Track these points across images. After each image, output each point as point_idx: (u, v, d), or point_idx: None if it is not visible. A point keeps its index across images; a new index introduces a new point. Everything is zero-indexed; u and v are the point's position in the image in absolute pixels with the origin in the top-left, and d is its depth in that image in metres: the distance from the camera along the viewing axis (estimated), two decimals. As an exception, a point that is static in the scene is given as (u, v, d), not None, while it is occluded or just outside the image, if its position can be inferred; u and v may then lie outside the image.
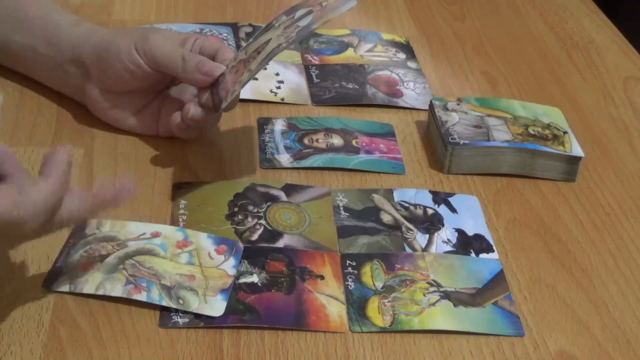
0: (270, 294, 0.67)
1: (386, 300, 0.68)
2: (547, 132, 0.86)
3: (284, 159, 0.83)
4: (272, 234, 0.74)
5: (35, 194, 0.57)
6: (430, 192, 0.81)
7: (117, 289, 0.65)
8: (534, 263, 0.74)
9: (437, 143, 0.86)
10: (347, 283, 0.70)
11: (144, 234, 0.71)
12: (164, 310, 0.65)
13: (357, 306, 0.68)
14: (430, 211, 0.79)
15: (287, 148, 0.84)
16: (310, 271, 0.70)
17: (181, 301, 0.65)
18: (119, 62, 0.78)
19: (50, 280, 0.66)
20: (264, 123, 0.88)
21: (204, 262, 0.69)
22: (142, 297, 0.65)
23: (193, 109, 0.77)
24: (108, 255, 0.68)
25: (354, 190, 0.80)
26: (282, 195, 0.78)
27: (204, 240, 0.71)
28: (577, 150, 0.84)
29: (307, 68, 0.98)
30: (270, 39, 0.73)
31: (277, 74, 0.96)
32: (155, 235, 0.71)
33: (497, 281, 0.72)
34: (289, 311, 0.66)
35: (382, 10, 1.15)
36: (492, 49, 1.08)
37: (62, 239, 0.70)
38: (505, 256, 0.75)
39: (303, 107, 0.92)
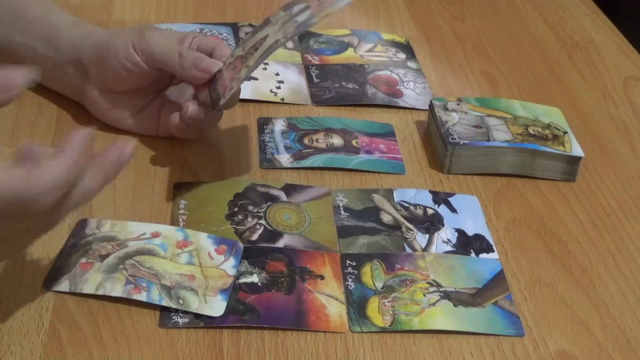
0: (270, 294, 0.67)
1: (386, 300, 0.68)
2: (547, 132, 0.86)
3: (284, 159, 0.83)
4: (272, 234, 0.74)
5: (50, 170, 0.56)
6: (430, 192, 0.81)
7: (117, 289, 0.65)
8: (534, 263, 0.74)
9: (437, 143, 0.86)
10: (347, 283, 0.70)
11: (144, 234, 0.71)
12: (164, 310, 0.65)
13: (357, 306, 0.68)
14: (430, 211, 0.79)
15: (287, 148, 0.84)
16: (310, 271, 0.70)
17: (181, 301, 0.65)
18: (117, 61, 0.78)
19: (50, 280, 0.66)
20: (264, 123, 0.88)
21: (204, 262, 0.69)
22: (142, 297, 0.65)
23: (192, 108, 0.77)
24: (108, 255, 0.68)
25: (354, 190, 0.80)
26: (282, 195, 0.78)
27: (204, 240, 0.71)
28: (577, 150, 0.84)
29: (307, 68, 0.98)
30: (268, 35, 0.73)
31: (277, 74, 0.96)
32: (155, 235, 0.71)
33: (497, 281, 0.72)
34: (289, 311, 0.66)
35: (382, 10, 1.15)
36: (492, 49, 1.08)
37: (62, 239, 0.70)
38: (505, 256, 0.75)
39: (303, 107, 0.92)
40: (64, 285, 0.66)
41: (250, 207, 0.76)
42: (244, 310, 0.66)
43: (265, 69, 0.96)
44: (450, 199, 0.80)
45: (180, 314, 0.65)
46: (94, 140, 0.59)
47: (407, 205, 0.79)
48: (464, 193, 0.82)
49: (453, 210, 0.79)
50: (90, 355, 0.61)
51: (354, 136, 0.87)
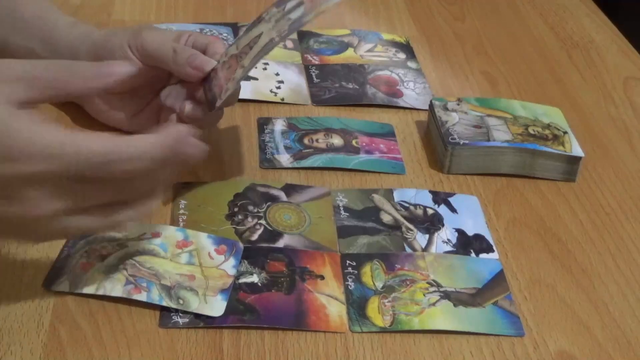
0: (270, 294, 0.67)
1: (386, 300, 0.68)
2: (547, 132, 0.86)
3: (284, 159, 0.83)
4: (272, 234, 0.74)
5: (139, 143, 0.58)
6: (430, 192, 0.81)
7: (117, 289, 0.65)
8: (534, 263, 0.74)
9: (437, 143, 0.86)
10: (347, 283, 0.70)
11: (144, 234, 0.71)
12: (164, 310, 0.65)
13: (357, 306, 0.68)
14: (430, 211, 0.79)
15: (287, 148, 0.84)
16: (310, 271, 0.70)
17: (181, 301, 0.65)
18: None
19: (50, 280, 0.66)
20: (264, 123, 0.88)
21: (204, 262, 0.69)
22: (142, 297, 0.65)
23: (188, 107, 0.76)
24: (108, 255, 0.68)
25: (354, 190, 0.80)
26: (282, 195, 0.78)
27: (204, 240, 0.71)
28: (577, 150, 0.84)
29: (307, 68, 0.98)
30: (262, 32, 0.72)
31: (277, 74, 0.96)
32: (156, 235, 0.71)
33: (497, 281, 0.72)
34: (289, 311, 0.66)
35: (382, 10, 1.15)
36: (492, 49, 1.08)
37: (62, 239, 0.70)
38: (505, 256, 0.75)
39: (303, 107, 0.92)
40: (64, 285, 0.66)
41: (250, 207, 0.76)
42: (244, 310, 0.66)
43: (265, 69, 0.96)
44: (450, 199, 0.80)
45: (180, 314, 0.65)
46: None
47: (407, 205, 0.79)
48: (464, 193, 0.82)
49: (453, 210, 0.79)
50: (90, 355, 0.61)
51: (354, 136, 0.87)
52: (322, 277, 0.70)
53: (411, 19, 1.14)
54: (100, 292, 0.65)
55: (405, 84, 0.97)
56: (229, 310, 0.65)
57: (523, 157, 0.84)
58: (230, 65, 0.73)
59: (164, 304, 0.65)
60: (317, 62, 1.00)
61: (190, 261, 0.69)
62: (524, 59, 1.07)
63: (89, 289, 0.66)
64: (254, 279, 0.69)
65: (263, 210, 0.76)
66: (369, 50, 1.03)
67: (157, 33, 0.78)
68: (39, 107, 0.59)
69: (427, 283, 0.70)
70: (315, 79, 0.96)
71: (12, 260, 0.68)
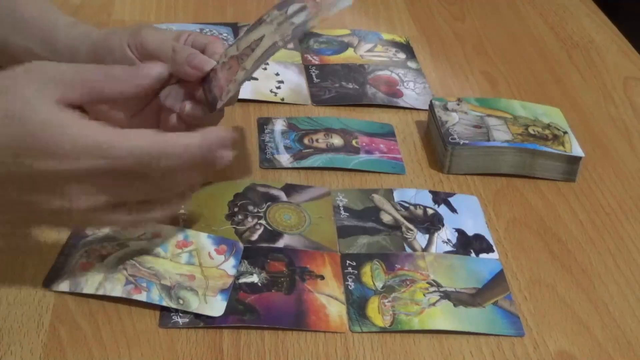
0: (270, 294, 0.67)
1: (386, 300, 0.68)
2: (547, 132, 0.86)
3: (284, 159, 0.83)
4: (272, 234, 0.74)
5: (179, 141, 0.60)
6: (430, 192, 0.81)
7: (117, 289, 0.65)
8: (534, 263, 0.74)
9: (437, 143, 0.86)
10: (347, 283, 0.70)
11: (144, 234, 0.71)
12: (164, 310, 0.65)
13: (357, 306, 0.68)
14: (430, 211, 0.79)
15: (287, 148, 0.84)
16: (310, 271, 0.70)
17: (181, 301, 0.65)
18: (113, 62, 0.77)
19: (50, 280, 0.66)
20: (264, 123, 0.88)
21: (204, 262, 0.69)
22: (142, 297, 0.65)
23: (189, 106, 0.76)
24: (108, 255, 0.68)
25: (354, 190, 0.80)
26: (282, 195, 0.78)
27: (204, 240, 0.71)
28: (577, 150, 0.84)
29: (307, 68, 0.98)
30: (264, 35, 0.72)
31: (277, 74, 0.96)
32: (156, 235, 0.71)
33: (497, 281, 0.72)
34: (289, 311, 0.66)
35: (382, 10, 1.15)
36: (492, 49, 1.08)
37: (62, 239, 0.70)
38: (505, 256, 0.75)
39: (303, 107, 0.92)
40: (64, 285, 0.66)
41: (250, 207, 0.76)
42: (244, 310, 0.66)
43: (265, 69, 0.96)
44: (450, 199, 0.80)
45: (180, 314, 0.65)
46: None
47: (407, 205, 0.79)
48: (464, 193, 0.82)
49: (453, 210, 0.79)
50: (90, 355, 0.61)
51: (354, 136, 0.87)
52: (322, 277, 0.70)
53: (411, 19, 1.14)
54: (100, 292, 0.65)
55: (405, 84, 0.97)
56: (229, 310, 0.65)
57: (523, 157, 0.84)
58: (230, 67, 0.72)
59: (164, 304, 0.65)
60: (317, 62, 1.00)
61: (190, 261, 0.69)
62: (524, 59, 1.07)
63: (89, 289, 0.66)
64: (254, 279, 0.69)
65: (263, 210, 0.76)
66: (369, 50, 1.03)
67: (157, 32, 0.78)
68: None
69: (427, 283, 0.70)
70: (315, 79, 0.96)
71: (12, 260, 0.68)
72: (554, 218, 0.80)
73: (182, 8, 1.09)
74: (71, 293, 0.66)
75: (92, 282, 0.66)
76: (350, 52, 1.03)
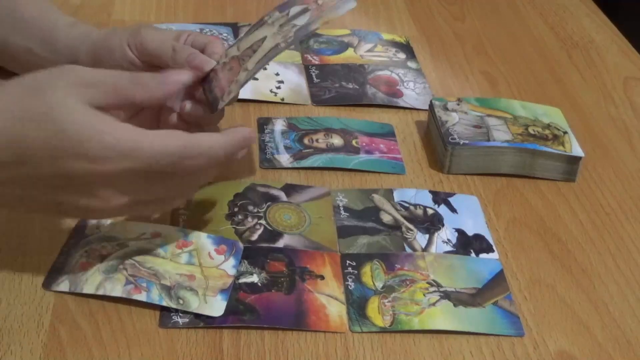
0: (270, 294, 0.67)
1: (386, 300, 0.68)
2: (547, 132, 0.86)
3: (284, 159, 0.83)
4: (272, 234, 0.74)
5: (209, 141, 0.62)
6: (430, 192, 0.81)
7: (117, 289, 0.65)
8: (534, 263, 0.74)
9: (437, 143, 0.86)
10: (347, 283, 0.70)
11: (144, 234, 0.71)
12: (164, 310, 0.65)
13: (357, 306, 0.68)
14: (430, 211, 0.79)
15: (287, 148, 0.84)
16: (310, 271, 0.70)
17: (181, 301, 0.65)
18: (113, 62, 0.77)
19: (50, 280, 0.66)
20: (264, 123, 0.88)
21: (204, 262, 0.69)
22: (142, 297, 0.65)
23: (189, 105, 0.76)
24: (108, 255, 0.68)
25: (354, 190, 0.80)
26: (282, 195, 0.78)
27: (204, 240, 0.71)
28: (577, 150, 0.84)
29: (307, 68, 0.98)
30: (266, 36, 0.72)
31: (277, 74, 0.96)
32: (155, 235, 0.71)
33: (497, 281, 0.72)
34: (289, 311, 0.66)
35: (382, 10, 1.15)
36: (492, 49, 1.08)
37: (62, 239, 0.70)
38: (505, 256, 0.75)
39: (303, 107, 0.92)
40: (64, 285, 0.66)
41: (250, 207, 0.76)
42: (244, 310, 0.66)
43: (265, 69, 0.96)
44: (450, 199, 0.80)
45: (180, 314, 0.65)
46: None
47: (407, 205, 0.79)
48: (464, 193, 0.82)
49: (453, 210, 0.79)
50: (90, 355, 0.61)
51: (354, 136, 0.87)
52: (322, 277, 0.70)
53: (411, 19, 1.14)
54: (100, 292, 0.65)
55: (405, 84, 0.97)
56: (229, 310, 0.65)
57: (523, 157, 0.84)
58: (231, 67, 0.72)
59: (164, 304, 0.65)
60: (317, 62, 1.00)
61: (190, 261, 0.69)
62: (524, 59, 1.07)
63: (89, 289, 0.66)
64: (254, 279, 0.69)
65: (263, 210, 0.76)
66: (369, 50, 1.03)
67: (157, 32, 0.78)
68: None
69: (427, 283, 0.70)
70: (315, 79, 0.96)
71: (12, 260, 0.68)
72: (554, 218, 0.80)
73: (182, 8, 1.09)
74: (71, 293, 0.66)
75: (92, 282, 0.66)
76: (350, 52, 1.03)
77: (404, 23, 1.12)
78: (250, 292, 0.67)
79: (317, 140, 0.86)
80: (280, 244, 0.73)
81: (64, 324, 0.63)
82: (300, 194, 0.79)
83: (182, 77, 0.67)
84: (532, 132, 0.86)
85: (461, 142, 0.83)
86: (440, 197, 0.81)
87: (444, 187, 0.82)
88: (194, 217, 0.74)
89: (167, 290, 0.66)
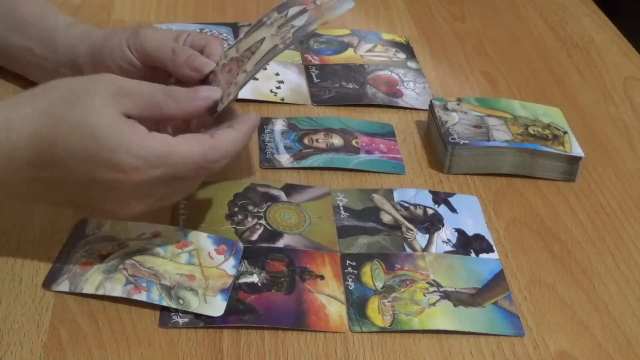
0: (270, 294, 0.67)
1: (386, 300, 0.68)
2: (547, 132, 0.86)
3: (284, 159, 0.83)
4: (272, 234, 0.74)
5: (227, 139, 0.65)
6: (430, 192, 0.81)
7: (117, 289, 0.65)
8: (534, 263, 0.74)
9: (437, 143, 0.86)
10: (347, 283, 0.70)
11: (144, 234, 0.71)
12: (164, 310, 0.65)
13: (357, 306, 0.68)
14: (430, 211, 0.79)
15: (287, 148, 0.84)
16: (310, 271, 0.70)
17: (181, 301, 0.65)
18: (112, 62, 0.77)
19: (50, 280, 0.66)
20: (264, 123, 0.88)
21: (204, 262, 0.69)
22: (142, 297, 0.65)
23: None
24: (108, 255, 0.68)
25: (354, 190, 0.80)
26: (282, 195, 0.78)
27: (204, 240, 0.71)
28: (577, 150, 0.84)
29: (307, 68, 0.98)
30: (264, 38, 0.72)
31: (277, 74, 0.96)
32: (155, 235, 0.71)
33: (497, 281, 0.72)
34: (289, 311, 0.66)
35: (382, 10, 1.15)
36: (492, 49, 1.08)
37: (62, 239, 0.70)
38: (505, 256, 0.75)
39: (303, 107, 0.92)
40: (64, 285, 0.66)
41: (250, 207, 0.76)
42: (244, 310, 0.66)
43: (265, 69, 0.96)
44: (450, 199, 0.80)
45: (180, 314, 0.65)
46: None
47: (407, 205, 0.79)
48: (464, 193, 0.82)
49: (453, 210, 0.79)
50: (90, 355, 0.61)
51: (354, 136, 0.87)
52: (322, 277, 0.70)
53: (411, 19, 1.14)
54: (100, 292, 0.65)
55: (405, 84, 0.97)
56: (229, 310, 0.65)
57: (523, 157, 0.84)
58: (231, 69, 0.72)
59: (164, 304, 0.65)
60: (317, 62, 1.00)
61: (190, 261, 0.69)
62: (524, 59, 1.07)
63: (89, 289, 0.66)
64: (254, 279, 0.69)
65: (263, 210, 0.76)
66: (369, 50, 1.03)
67: (156, 33, 0.78)
68: None
69: (427, 283, 0.70)
70: (315, 79, 0.96)
71: (12, 260, 0.68)
72: (554, 218, 0.80)
73: (182, 8, 1.09)
74: (71, 293, 0.66)
75: (92, 282, 0.66)
76: (350, 52, 1.03)
77: (404, 23, 1.12)
78: (250, 292, 0.67)
79: (317, 140, 0.86)
80: (280, 244, 0.73)
81: (64, 324, 0.63)
82: (300, 194, 0.79)
83: (214, 93, 0.68)
84: (532, 132, 0.86)
85: (461, 142, 0.83)
86: (440, 197, 0.81)
87: (444, 187, 0.82)
88: (194, 217, 0.74)
89: (167, 290, 0.66)
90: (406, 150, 0.87)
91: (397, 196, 0.80)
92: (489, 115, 0.88)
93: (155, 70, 0.77)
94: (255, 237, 0.73)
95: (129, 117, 0.62)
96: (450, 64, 1.04)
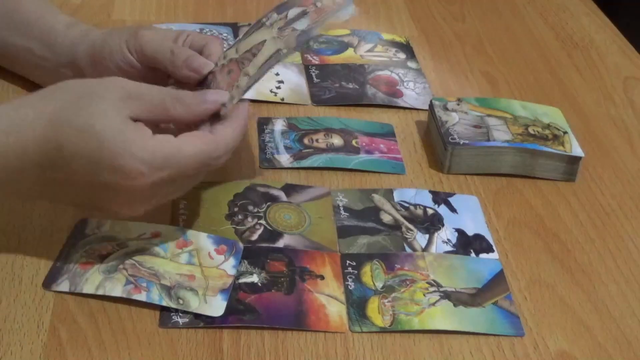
0: (270, 294, 0.67)
1: (386, 300, 0.68)
2: (547, 132, 0.86)
3: (284, 159, 0.83)
4: (272, 234, 0.74)
5: (228, 133, 0.65)
6: (430, 192, 0.81)
7: (117, 289, 0.65)
8: (534, 263, 0.74)
9: (437, 143, 0.86)
10: (347, 283, 0.70)
11: (144, 234, 0.71)
12: (164, 310, 0.65)
13: (357, 306, 0.68)
14: (430, 211, 0.79)
15: (287, 148, 0.84)
16: (310, 271, 0.70)
17: (181, 301, 0.65)
18: (112, 63, 0.77)
19: (50, 280, 0.66)
20: (264, 123, 0.88)
21: (204, 262, 0.69)
22: (142, 297, 0.65)
23: None
24: (108, 255, 0.68)
25: (354, 190, 0.80)
26: (282, 195, 0.78)
27: (204, 240, 0.71)
28: (577, 150, 0.84)
29: (307, 68, 0.98)
30: (266, 39, 0.71)
31: (277, 74, 0.96)
32: (155, 235, 0.71)
33: (497, 281, 0.72)
34: (289, 311, 0.66)
35: (382, 10, 1.15)
36: (492, 49, 1.08)
37: (62, 239, 0.70)
38: (505, 256, 0.75)
39: (303, 107, 0.92)
40: (64, 285, 0.66)
41: (250, 207, 0.76)
42: (244, 310, 0.66)
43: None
44: (450, 199, 0.80)
45: (180, 314, 0.65)
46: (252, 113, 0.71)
47: (407, 205, 0.79)
48: (464, 193, 0.82)
49: (453, 210, 0.79)
50: (90, 356, 0.61)
51: (354, 136, 0.87)
52: (322, 277, 0.70)
53: (411, 19, 1.14)
54: (100, 292, 0.65)
55: (405, 84, 0.97)
56: (229, 310, 0.65)
57: (523, 157, 0.84)
58: (231, 70, 0.72)
59: (164, 304, 0.65)
60: (317, 62, 1.00)
61: (190, 261, 0.69)
62: (524, 59, 1.07)
63: (89, 289, 0.66)
64: (254, 279, 0.69)
65: (263, 210, 0.76)
66: (369, 50, 1.03)
67: (155, 34, 0.78)
68: None
69: (427, 283, 0.70)
70: (315, 79, 0.96)
71: (11, 260, 0.68)
72: (553, 218, 0.80)
73: (182, 8, 1.09)
74: (71, 293, 0.66)
75: (92, 282, 0.66)
76: (350, 52, 1.03)
77: (404, 23, 1.12)
78: (250, 292, 0.67)
79: (317, 140, 0.86)
80: (280, 244, 0.73)
81: (64, 324, 0.63)
82: (300, 194, 0.79)
83: (221, 96, 0.68)
84: (532, 132, 0.86)
85: (461, 142, 0.83)
86: (440, 197, 0.81)
87: (444, 187, 0.82)
88: (194, 217, 0.74)
89: (167, 290, 0.66)
90: (406, 150, 0.87)
91: (397, 196, 0.80)
92: (489, 115, 0.88)
93: (155, 71, 0.77)
94: (255, 237, 0.73)
95: (136, 120, 0.62)
96: (450, 64, 1.04)
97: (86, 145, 0.60)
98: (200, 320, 0.65)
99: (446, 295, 0.69)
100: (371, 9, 1.15)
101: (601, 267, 0.75)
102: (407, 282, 0.70)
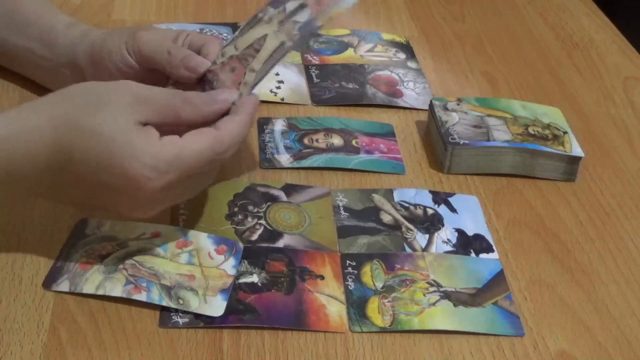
0: (270, 294, 0.67)
1: (386, 300, 0.68)
2: (547, 132, 0.86)
3: (284, 159, 0.83)
4: (272, 234, 0.74)
5: (232, 127, 0.65)
6: (430, 192, 0.81)
7: (117, 289, 0.65)
8: (534, 263, 0.74)
9: (437, 143, 0.86)
10: (347, 283, 0.70)
11: (144, 234, 0.71)
12: (164, 310, 0.65)
13: (357, 306, 0.68)
14: (430, 211, 0.79)
15: (287, 148, 0.84)
16: (310, 271, 0.70)
17: (181, 301, 0.65)
18: (111, 63, 0.77)
19: (50, 280, 0.66)
20: (264, 123, 0.88)
21: (204, 262, 0.69)
22: (142, 297, 0.65)
23: None
24: (108, 255, 0.68)
25: (354, 190, 0.80)
26: (282, 195, 0.78)
27: (204, 240, 0.71)
28: (577, 150, 0.84)
29: (307, 68, 0.98)
30: (267, 34, 0.71)
31: (277, 74, 0.96)
32: (155, 235, 0.71)
33: (497, 281, 0.72)
34: (289, 311, 0.66)
35: (382, 10, 1.15)
36: (492, 49, 1.08)
37: (62, 239, 0.70)
38: (505, 256, 0.75)
39: (303, 107, 0.92)
40: (64, 285, 0.66)
41: (250, 207, 0.76)
42: (244, 310, 0.66)
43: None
44: (450, 199, 0.80)
45: (180, 314, 0.65)
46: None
47: (407, 205, 0.79)
48: (464, 193, 0.82)
49: (453, 210, 0.79)
50: (90, 356, 0.61)
51: (354, 136, 0.87)
52: (322, 277, 0.70)
53: (411, 19, 1.14)
54: (100, 292, 0.65)
55: (405, 84, 0.97)
56: (229, 310, 0.65)
57: (523, 157, 0.84)
58: (234, 68, 0.71)
59: (164, 304, 0.65)
60: (317, 62, 1.00)
61: (190, 261, 0.69)
62: (524, 59, 1.07)
63: (89, 289, 0.66)
64: (254, 279, 0.69)
65: (263, 210, 0.76)
66: (369, 50, 1.03)
67: (154, 34, 0.78)
68: None
69: (427, 283, 0.70)
70: (315, 79, 0.96)
71: (11, 260, 0.68)
72: (553, 218, 0.80)
73: (182, 8, 1.09)
74: (71, 293, 0.66)
75: (92, 282, 0.66)
76: (350, 52, 1.03)
77: (404, 23, 1.12)
78: (250, 292, 0.67)
79: (317, 140, 0.86)
80: (280, 244, 0.73)
81: (64, 324, 0.63)
82: (300, 194, 0.79)
83: (231, 96, 0.68)
84: (532, 132, 0.86)
85: (461, 142, 0.83)
86: (440, 197, 0.81)
87: (444, 187, 0.82)
88: (194, 217, 0.74)
89: (167, 290, 0.66)
90: (406, 150, 0.87)
91: (397, 196, 0.80)
92: (489, 115, 0.88)
93: (154, 72, 0.77)
94: (255, 237, 0.73)
95: (145, 124, 0.63)
96: (450, 64, 1.04)
97: (95, 151, 0.61)
98: (200, 320, 0.65)
99: (446, 295, 0.69)
100: (371, 9, 1.15)
101: (601, 267, 0.75)
102: (407, 282, 0.70)
